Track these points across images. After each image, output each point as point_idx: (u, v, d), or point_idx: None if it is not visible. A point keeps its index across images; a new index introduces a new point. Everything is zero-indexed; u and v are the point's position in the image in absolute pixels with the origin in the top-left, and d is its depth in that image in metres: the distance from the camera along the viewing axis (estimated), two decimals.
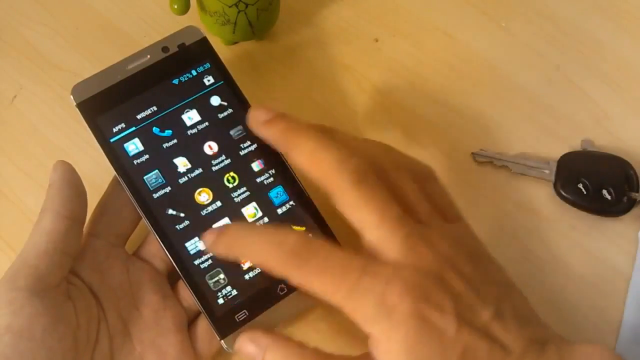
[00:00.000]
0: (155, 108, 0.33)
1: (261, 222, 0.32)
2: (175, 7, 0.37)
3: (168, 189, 0.32)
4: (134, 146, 0.32)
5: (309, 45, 0.42)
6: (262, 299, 0.31)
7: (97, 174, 0.35)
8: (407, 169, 0.30)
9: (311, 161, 0.28)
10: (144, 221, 0.32)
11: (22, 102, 0.39)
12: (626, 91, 0.41)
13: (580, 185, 0.37)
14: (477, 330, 0.25)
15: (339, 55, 0.42)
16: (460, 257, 0.27)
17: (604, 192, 0.36)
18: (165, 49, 0.33)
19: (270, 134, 0.30)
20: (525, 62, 0.42)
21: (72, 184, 0.30)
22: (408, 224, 0.27)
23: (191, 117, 0.33)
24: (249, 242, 0.28)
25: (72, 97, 0.32)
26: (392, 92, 0.41)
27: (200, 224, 0.32)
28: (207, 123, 0.33)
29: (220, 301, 0.31)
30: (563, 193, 0.37)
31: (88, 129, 0.32)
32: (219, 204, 0.32)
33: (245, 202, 0.32)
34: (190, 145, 0.33)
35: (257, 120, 0.31)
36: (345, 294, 0.25)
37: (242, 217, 0.32)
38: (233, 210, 0.32)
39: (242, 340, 0.28)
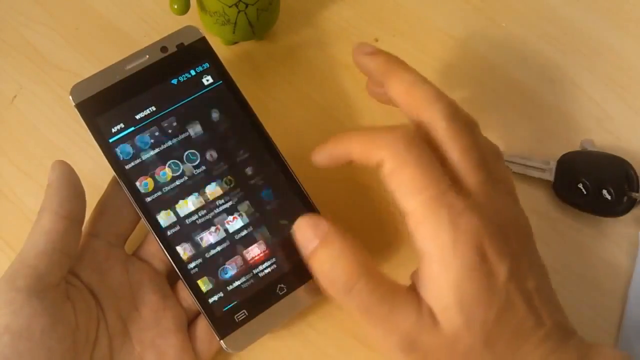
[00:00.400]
0: (154, 108, 0.33)
1: (255, 217, 0.32)
2: (175, 7, 0.37)
3: (167, 189, 0.32)
4: (132, 146, 0.32)
5: (309, 45, 0.42)
6: (261, 298, 0.31)
7: (97, 174, 0.35)
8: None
9: (409, 91, 0.29)
10: (143, 222, 0.32)
11: (22, 102, 0.39)
12: (626, 91, 0.41)
13: (580, 185, 0.37)
14: (522, 291, 0.26)
15: (339, 55, 0.42)
16: (520, 228, 0.28)
17: (604, 192, 0.36)
18: (164, 49, 0.33)
19: (374, 64, 0.31)
20: (526, 62, 0.42)
21: (70, 183, 0.30)
22: (487, 169, 0.28)
23: (189, 117, 0.33)
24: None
25: (71, 97, 0.32)
26: None
27: None
28: (205, 123, 0.33)
29: (219, 301, 0.31)
30: (563, 193, 0.37)
31: (87, 129, 0.32)
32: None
33: (241, 201, 0.32)
34: (190, 145, 0.33)
35: (363, 51, 0.32)
36: (425, 199, 0.26)
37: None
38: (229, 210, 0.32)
39: (302, 221, 0.28)
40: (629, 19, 0.44)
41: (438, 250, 0.26)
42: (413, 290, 0.27)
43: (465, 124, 0.28)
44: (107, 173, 0.33)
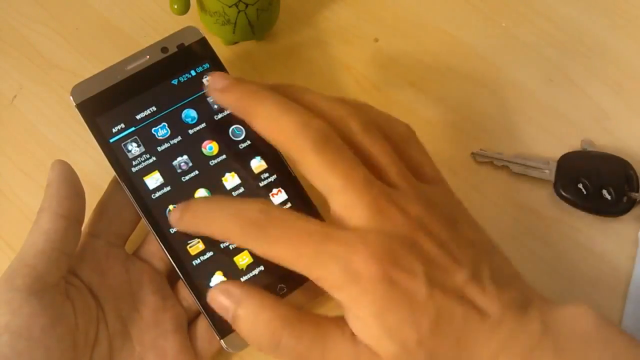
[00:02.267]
0: (154, 108, 0.33)
1: None
2: (175, 7, 0.37)
3: (167, 189, 0.32)
4: (133, 146, 0.32)
5: (309, 45, 0.42)
6: None
7: (97, 174, 0.35)
8: (380, 128, 0.28)
9: (271, 127, 0.27)
10: (144, 222, 0.32)
11: (22, 102, 0.39)
12: (626, 91, 0.41)
13: (580, 185, 0.37)
14: (450, 294, 0.24)
15: (339, 55, 0.42)
16: (434, 219, 0.26)
17: (604, 192, 0.36)
18: (164, 50, 0.33)
19: (229, 102, 0.29)
20: (525, 62, 0.42)
21: (70, 183, 0.30)
22: (375, 186, 0.26)
23: (190, 117, 0.33)
24: (211, 216, 0.27)
25: (71, 97, 0.32)
26: (392, 92, 0.41)
27: None
28: (205, 123, 0.33)
29: None
30: (563, 193, 0.37)
31: (88, 129, 0.32)
32: None
33: None
34: (189, 145, 0.33)
35: (214, 87, 0.29)
36: (308, 261, 0.25)
37: None
38: None
39: (214, 292, 0.26)
40: (629, 19, 0.44)
41: (347, 296, 0.25)
42: (344, 321, 0.25)
43: (339, 145, 0.26)
44: (107, 173, 0.33)
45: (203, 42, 0.34)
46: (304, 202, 0.33)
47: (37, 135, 0.39)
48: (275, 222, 0.25)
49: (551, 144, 0.39)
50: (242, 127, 0.33)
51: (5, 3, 0.42)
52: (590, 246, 0.37)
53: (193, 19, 0.40)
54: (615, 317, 0.35)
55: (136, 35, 0.41)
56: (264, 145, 0.31)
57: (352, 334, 0.25)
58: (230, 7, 0.37)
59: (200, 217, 0.27)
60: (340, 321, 0.25)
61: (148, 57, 0.33)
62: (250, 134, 0.32)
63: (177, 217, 0.28)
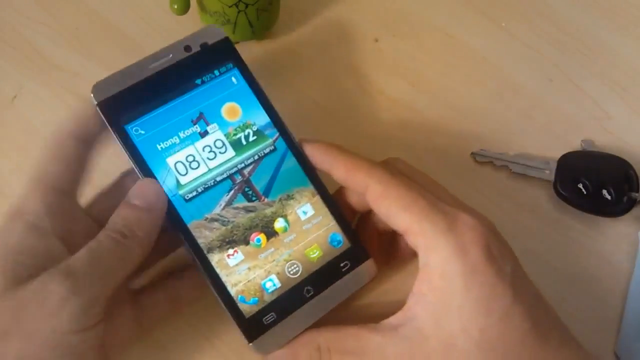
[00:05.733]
0: (178, 108, 0.32)
1: (290, 237, 0.31)
2: (175, 7, 0.37)
3: (194, 193, 0.31)
4: (156, 146, 0.31)
5: (309, 45, 0.42)
6: (289, 301, 0.30)
7: (97, 174, 0.35)
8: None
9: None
10: (166, 223, 0.30)
11: (22, 102, 0.39)
12: (626, 91, 0.41)
13: (580, 185, 0.37)
14: (525, 289, 0.28)
15: (339, 55, 0.42)
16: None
17: (604, 192, 0.36)
18: (187, 48, 0.32)
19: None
20: (525, 62, 0.42)
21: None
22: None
23: (214, 118, 0.32)
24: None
25: (92, 95, 0.30)
26: (392, 92, 0.41)
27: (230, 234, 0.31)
28: (230, 124, 0.32)
29: (248, 305, 0.30)
30: (563, 193, 0.37)
31: (109, 128, 0.30)
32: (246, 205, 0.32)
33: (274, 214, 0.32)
34: (213, 146, 0.32)
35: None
36: (417, 211, 0.27)
37: (271, 230, 0.31)
38: (265, 222, 0.32)
39: None
40: (629, 19, 0.44)
41: (440, 259, 0.26)
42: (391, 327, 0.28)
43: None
44: (106, 174, 0.33)
45: (226, 41, 0.33)
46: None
47: (37, 135, 0.39)
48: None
49: (551, 144, 0.39)
50: (265, 129, 0.33)
51: (5, 3, 0.42)
52: (590, 246, 0.37)
53: (193, 19, 0.40)
54: (615, 317, 0.35)
55: (136, 36, 0.41)
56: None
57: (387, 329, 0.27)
58: (230, 7, 0.37)
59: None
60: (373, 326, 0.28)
61: (171, 55, 0.32)
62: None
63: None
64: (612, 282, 0.36)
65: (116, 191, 0.32)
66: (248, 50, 0.42)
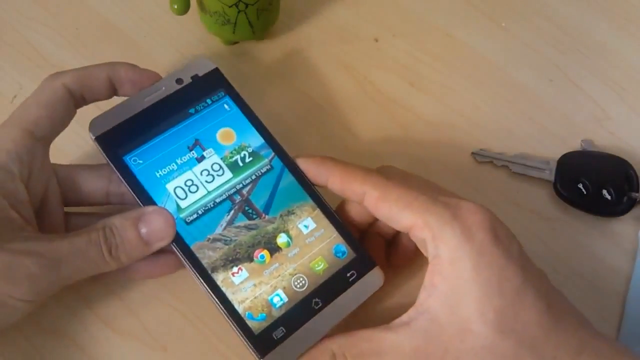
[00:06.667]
0: (174, 137, 0.32)
1: (294, 251, 0.31)
2: (175, 7, 0.37)
3: (195, 216, 0.31)
4: (155, 175, 0.31)
5: (309, 45, 0.42)
6: (297, 314, 0.30)
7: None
8: None
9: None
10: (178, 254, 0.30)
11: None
12: (626, 91, 0.41)
13: (580, 185, 0.37)
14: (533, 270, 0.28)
15: (339, 55, 0.42)
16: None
17: (604, 192, 0.36)
18: (179, 81, 0.33)
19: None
20: (525, 62, 0.42)
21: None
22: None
23: (210, 143, 0.33)
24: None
25: (89, 131, 0.31)
26: (392, 92, 0.41)
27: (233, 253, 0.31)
28: (226, 148, 0.33)
29: (256, 321, 0.30)
30: (563, 193, 0.37)
31: (108, 161, 0.31)
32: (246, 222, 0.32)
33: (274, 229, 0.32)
34: (211, 171, 0.32)
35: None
36: (419, 206, 0.28)
37: (274, 245, 0.31)
38: (267, 239, 0.32)
39: None
40: (629, 19, 0.44)
41: (447, 249, 0.26)
42: (403, 322, 0.28)
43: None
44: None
45: (216, 72, 0.34)
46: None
47: None
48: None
49: (551, 144, 0.39)
50: (257, 152, 0.33)
51: (5, 3, 0.42)
52: (590, 246, 0.37)
53: (193, 19, 0.40)
54: (615, 317, 0.35)
55: (136, 36, 0.41)
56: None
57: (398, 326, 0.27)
58: (230, 7, 0.37)
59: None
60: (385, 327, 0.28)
61: (164, 88, 0.33)
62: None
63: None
64: (612, 282, 0.36)
65: (98, 175, 0.32)
66: (248, 50, 0.42)
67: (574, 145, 0.39)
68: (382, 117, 0.40)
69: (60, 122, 0.31)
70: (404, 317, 0.28)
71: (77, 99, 0.31)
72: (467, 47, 0.42)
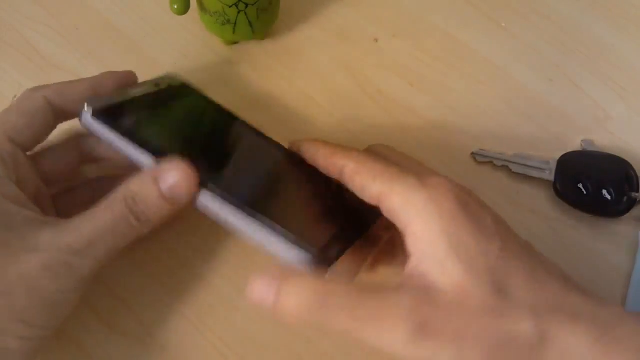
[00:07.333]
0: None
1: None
2: (175, 7, 0.37)
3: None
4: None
5: (309, 45, 0.42)
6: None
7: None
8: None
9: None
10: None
11: None
12: (626, 91, 0.41)
13: (580, 185, 0.37)
14: (515, 238, 0.27)
15: (339, 55, 0.42)
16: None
17: (604, 192, 0.36)
18: (156, 85, 0.35)
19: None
20: (526, 62, 0.42)
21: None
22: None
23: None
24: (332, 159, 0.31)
25: (86, 107, 0.31)
26: (392, 92, 0.41)
27: None
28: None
29: None
30: (563, 193, 0.37)
31: (110, 130, 0.31)
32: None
33: None
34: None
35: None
36: (389, 176, 0.28)
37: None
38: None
39: (254, 285, 0.25)
40: (629, 19, 0.44)
41: (416, 210, 0.26)
42: (397, 284, 0.26)
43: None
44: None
45: (185, 86, 0.36)
46: None
47: None
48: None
49: (551, 144, 0.39)
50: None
51: (5, 3, 0.42)
52: (590, 246, 0.37)
53: (193, 18, 0.40)
54: None
55: (136, 36, 0.41)
56: None
57: (410, 283, 0.25)
58: (230, 7, 0.37)
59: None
60: (394, 285, 0.26)
61: (145, 87, 0.34)
62: None
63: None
64: (612, 282, 0.36)
65: (67, 150, 0.33)
66: (248, 50, 0.42)
67: (574, 145, 0.39)
68: (382, 117, 0.40)
69: (39, 131, 0.31)
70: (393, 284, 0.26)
71: (57, 112, 0.31)
72: (467, 47, 0.42)
